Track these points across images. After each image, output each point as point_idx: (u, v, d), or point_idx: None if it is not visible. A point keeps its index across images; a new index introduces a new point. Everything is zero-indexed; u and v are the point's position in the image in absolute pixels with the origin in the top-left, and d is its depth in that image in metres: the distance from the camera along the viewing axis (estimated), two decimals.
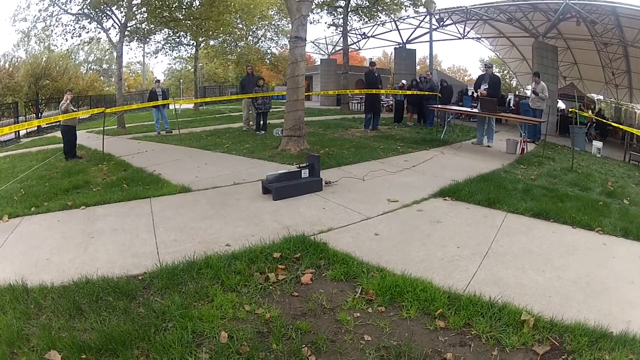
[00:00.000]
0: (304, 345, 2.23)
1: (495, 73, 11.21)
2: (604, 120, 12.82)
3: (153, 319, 2.43)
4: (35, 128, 15.06)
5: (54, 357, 2.14)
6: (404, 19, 20.90)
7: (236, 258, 3.16)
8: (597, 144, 10.96)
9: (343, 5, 18.52)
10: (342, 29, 19.46)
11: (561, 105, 16.31)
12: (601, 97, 23.38)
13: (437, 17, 19.36)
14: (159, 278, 2.91)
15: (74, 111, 8.14)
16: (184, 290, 2.76)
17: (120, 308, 2.56)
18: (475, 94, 9.80)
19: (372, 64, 12.06)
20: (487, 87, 9.38)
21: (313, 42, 25.42)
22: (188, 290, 2.74)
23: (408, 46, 22.02)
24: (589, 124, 14.12)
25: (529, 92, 13.41)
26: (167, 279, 2.88)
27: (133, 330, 2.31)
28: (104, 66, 38.06)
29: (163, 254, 3.35)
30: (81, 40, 15.41)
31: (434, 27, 19.52)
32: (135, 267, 3.13)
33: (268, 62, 28.16)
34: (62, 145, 8.30)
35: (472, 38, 23.21)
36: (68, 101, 7.98)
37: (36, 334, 2.33)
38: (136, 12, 14.67)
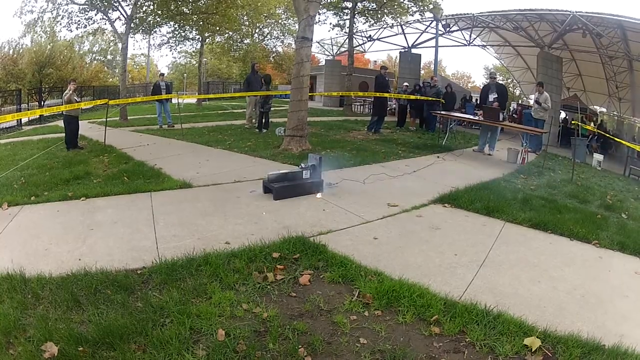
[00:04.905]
0: (300, 346, 2.24)
1: (500, 82, 11.30)
2: (608, 135, 12.84)
3: (151, 314, 2.44)
4: (38, 116, 15.07)
5: (50, 348, 2.13)
6: (410, 24, 20.92)
7: (235, 256, 3.17)
8: (598, 156, 10.98)
9: (350, 7, 18.53)
10: (347, 30, 19.47)
11: (563, 116, 16.35)
12: (604, 110, 23.42)
13: (443, 22, 19.42)
14: (157, 273, 2.91)
15: (77, 101, 8.13)
16: (182, 286, 2.76)
17: (118, 301, 2.57)
18: (479, 103, 9.93)
19: (383, 68, 12.34)
20: (496, 96, 9.43)
21: (318, 42, 25.47)
22: (186, 287, 2.75)
23: (413, 50, 22.05)
24: (590, 136, 14.14)
25: (532, 102, 13.46)
26: (165, 274, 2.89)
27: (130, 324, 2.32)
28: (109, 57, 38.00)
29: (162, 249, 3.35)
30: (86, 31, 15.39)
31: (440, 32, 19.59)
32: (134, 261, 3.14)
33: (272, 60, 28.13)
34: (63, 134, 8.29)
35: (478, 45, 23.27)
36: (71, 91, 7.97)
37: (33, 325, 2.33)
38: (142, 5, 14.63)
